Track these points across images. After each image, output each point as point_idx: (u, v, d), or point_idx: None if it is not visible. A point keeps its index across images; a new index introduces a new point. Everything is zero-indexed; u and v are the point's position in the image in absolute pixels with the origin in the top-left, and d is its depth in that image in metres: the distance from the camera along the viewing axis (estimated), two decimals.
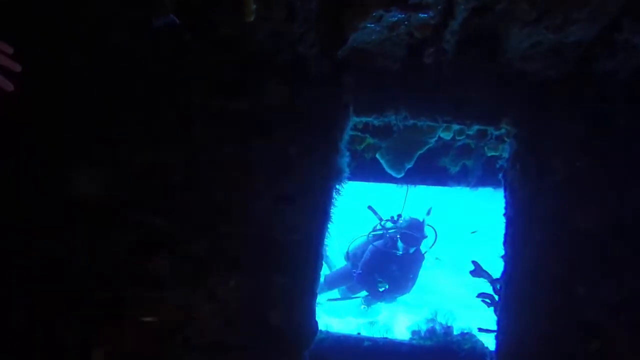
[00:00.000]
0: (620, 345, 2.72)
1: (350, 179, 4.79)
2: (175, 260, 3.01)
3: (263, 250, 3.06)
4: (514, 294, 3.06)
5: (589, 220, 2.86)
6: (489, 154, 4.04)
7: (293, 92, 3.15)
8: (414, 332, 4.22)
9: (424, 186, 4.62)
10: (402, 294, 7.61)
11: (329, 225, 3.16)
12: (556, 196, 2.94)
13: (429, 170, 4.44)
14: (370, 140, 4.10)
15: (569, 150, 3.00)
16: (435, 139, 3.67)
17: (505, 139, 3.24)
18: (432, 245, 7.44)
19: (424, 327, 4.28)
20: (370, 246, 7.40)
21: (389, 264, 7.33)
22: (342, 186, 3.23)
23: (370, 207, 7.67)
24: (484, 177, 4.30)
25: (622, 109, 2.90)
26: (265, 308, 3.03)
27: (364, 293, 7.83)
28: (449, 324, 4.18)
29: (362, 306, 7.70)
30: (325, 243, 3.18)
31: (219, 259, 3.04)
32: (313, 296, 3.15)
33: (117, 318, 2.97)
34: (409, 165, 3.78)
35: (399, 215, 7.55)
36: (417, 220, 7.36)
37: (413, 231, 7.25)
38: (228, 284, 3.03)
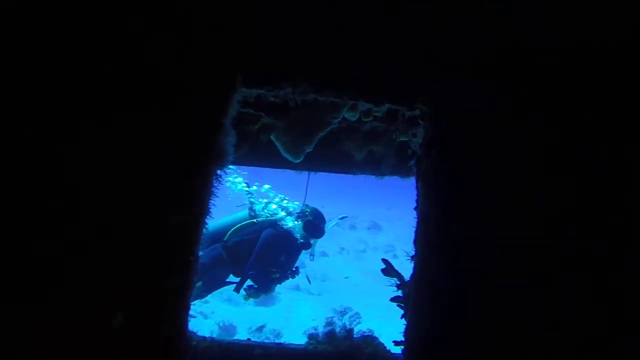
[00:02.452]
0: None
1: (241, 163, 4.21)
2: None
3: None
4: (426, 298, 2.63)
5: (514, 214, 2.47)
6: (400, 139, 3.61)
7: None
8: (310, 336, 3.78)
9: (326, 173, 4.14)
10: (283, 281, 7.20)
11: (206, 218, 2.54)
12: (477, 187, 2.52)
13: (333, 155, 3.96)
14: (266, 119, 3.52)
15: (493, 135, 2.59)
16: (339, 119, 3.15)
17: (420, 121, 2.78)
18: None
19: (322, 330, 3.90)
20: (265, 234, 6.84)
21: (282, 253, 6.92)
22: (224, 171, 2.61)
23: (248, 192, 7.18)
24: (395, 164, 3.90)
25: (552, 89, 2.53)
26: None
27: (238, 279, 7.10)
28: (350, 326, 3.81)
29: (245, 297, 7.03)
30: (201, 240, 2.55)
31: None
32: (186, 300, 2.54)
33: None
34: (308, 149, 3.24)
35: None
36: (320, 212, 7.02)
37: (319, 222, 6.92)
38: None
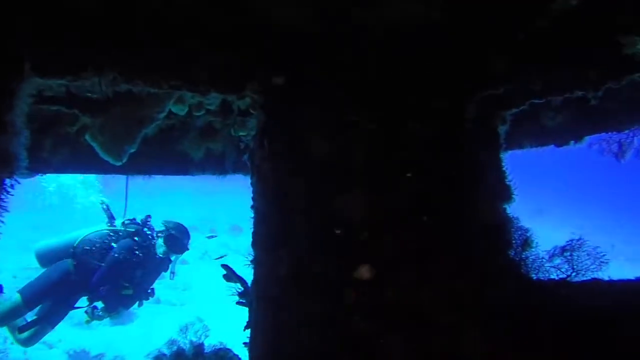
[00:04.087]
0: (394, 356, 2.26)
1: (61, 170, 3.65)
2: None
3: None
4: (268, 302, 2.40)
5: (354, 210, 2.34)
6: (238, 134, 3.36)
7: None
8: (156, 358, 3.40)
9: (161, 176, 3.75)
10: (141, 302, 6.50)
11: None
12: (315, 181, 2.34)
13: (166, 155, 3.59)
14: (85, 119, 3.05)
15: (330, 125, 2.44)
16: (165, 113, 2.80)
17: (252, 110, 2.54)
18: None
19: (168, 350, 3.53)
20: (121, 243, 6.10)
21: (137, 268, 6.22)
22: (15, 180, 2.13)
23: (103, 204, 6.41)
24: (237, 162, 3.63)
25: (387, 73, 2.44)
26: None
27: (84, 302, 6.22)
28: (200, 340, 3.48)
29: (87, 320, 6.14)
30: None
31: None
32: None
33: None
34: (131, 149, 2.84)
35: (148, 217, 6.50)
36: (184, 226, 6.45)
37: (183, 236, 6.33)
38: None
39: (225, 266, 2.75)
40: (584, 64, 2.53)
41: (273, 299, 2.39)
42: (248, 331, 2.44)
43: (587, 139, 3.49)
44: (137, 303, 6.38)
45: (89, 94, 2.73)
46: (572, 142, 3.52)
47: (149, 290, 6.38)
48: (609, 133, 3.43)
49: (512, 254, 2.46)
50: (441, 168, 2.62)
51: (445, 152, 2.65)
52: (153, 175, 3.74)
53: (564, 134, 3.55)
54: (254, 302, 2.44)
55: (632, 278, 2.40)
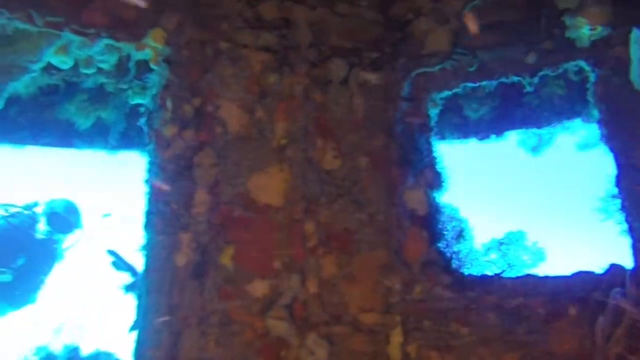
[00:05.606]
0: None
1: None
2: None
3: None
4: (162, 296, 1.99)
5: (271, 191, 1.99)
6: (135, 101, 2.87)
7: None
8: None
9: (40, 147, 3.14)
10: (25, 302, 5.66)
11: None
12: (228, 156, 1.98)
13: (44, 123, 3.01)
14: None
15: (246, 91, 2.08)
16: (42, 64, 2.27)
17: (153, 65, 2.11)
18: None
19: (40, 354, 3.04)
20: None
21: (18, 254, 5.36)
22: None
23: None
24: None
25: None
26: None
27: None
28: (74, 344, 3.01)
29: None
30: None
31: None
32: None
33: None
34: None
35: None
36: (72, 203, 5.63)
37: (69, 214, 5.50)
38: None
39: (112, 252, 2.27)
40: (523, 46, 2.38)
41: (168, 293, 1.97)
42: (135, 332, 2.00)
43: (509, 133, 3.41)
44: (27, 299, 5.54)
45: None
46: (494, 136, 3.43)
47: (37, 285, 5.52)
48: (529, 128, 3.37)
49: (444, 246, 2.23)
50: (368, 150, 2.36)
51: (374, 131, 2.40)
52: (27, 146, 3.12)
53: (486, 127, 3.44)
54: (145, 296, 2.00)
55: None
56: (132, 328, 2.00)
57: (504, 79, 2.49)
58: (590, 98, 2.35)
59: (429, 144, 2.51)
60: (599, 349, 1.91)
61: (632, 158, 2.14)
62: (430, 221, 2.31)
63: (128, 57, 2.34)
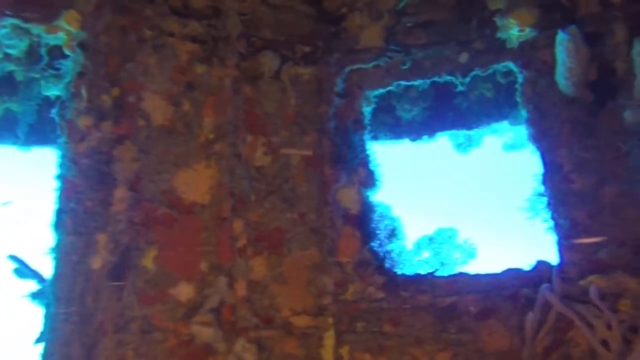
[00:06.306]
0: None
1: None
2: None
3: None
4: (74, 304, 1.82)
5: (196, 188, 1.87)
6: (47, 93, 2.64)
7: None
8: None
9: None
10: None
11: None
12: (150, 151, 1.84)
13: None
14: None
15: (172, 82, 1.95)
16: None
17: (67, 51, 1.93)
18: None
19: None
20: None
21: None
22: None
23: None
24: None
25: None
26: None
27: None
28: None
29: None
30: None
31: None
32: None
33: None
34: None
35: None
36: None
37: None
38: None
39: (14, 257, 2.04)
40: (455, 45, 2.39)
41: (80, 299, 1.80)
42: (42, 345, 1.81)
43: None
44: None
45: None
46: (426, 136, 3.44)
47: None
48: (460, 129, 3.42)
49: (377, 246, 2.19)
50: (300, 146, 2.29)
51: (306, 128, 2.33)
52: None
53: (418, 128, 3.46)
54: (53, 303, 1.81)
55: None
56: (38, 340, 1.80)
57: (436, 78, 2.50)
58: (518, 99, 2.40)
59: (363, 141, 2.48)
60: (527, 344, 1.94)
61: (557, 157, 2.19)
62: (363, 220, 2.27)
63: (39, 41, 2.14)
